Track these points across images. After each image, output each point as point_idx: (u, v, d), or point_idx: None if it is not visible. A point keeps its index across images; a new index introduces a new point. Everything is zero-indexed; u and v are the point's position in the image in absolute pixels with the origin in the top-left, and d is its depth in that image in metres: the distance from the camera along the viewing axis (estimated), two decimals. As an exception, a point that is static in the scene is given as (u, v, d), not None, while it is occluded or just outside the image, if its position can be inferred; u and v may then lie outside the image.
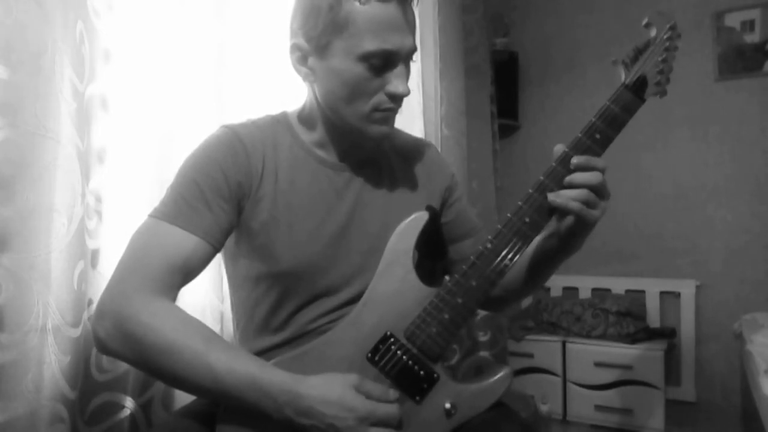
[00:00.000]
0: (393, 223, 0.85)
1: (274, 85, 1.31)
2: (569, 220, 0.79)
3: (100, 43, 0.94)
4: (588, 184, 0.76)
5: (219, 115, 1.17)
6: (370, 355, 0.80)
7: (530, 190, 0.79)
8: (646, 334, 2.38)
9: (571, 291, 2.78)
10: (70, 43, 0.83)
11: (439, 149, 1.96)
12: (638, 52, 0.80)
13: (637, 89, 0.78)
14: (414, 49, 0.82)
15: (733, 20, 2.47)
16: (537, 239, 0.86)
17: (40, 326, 0.77)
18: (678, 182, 2.60)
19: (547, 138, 2.79)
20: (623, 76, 0.79)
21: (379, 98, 0.81)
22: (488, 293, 0.80)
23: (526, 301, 2.77)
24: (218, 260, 0.99)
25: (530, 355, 2.48)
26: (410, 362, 0.79)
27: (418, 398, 0.79)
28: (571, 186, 0.77)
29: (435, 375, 0.80)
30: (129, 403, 0.98)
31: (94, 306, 0.85)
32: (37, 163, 0.78)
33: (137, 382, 0.99)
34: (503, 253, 0.79)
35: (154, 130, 1.04)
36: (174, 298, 0.78)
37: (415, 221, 0.84)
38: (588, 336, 2.41)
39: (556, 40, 2.88)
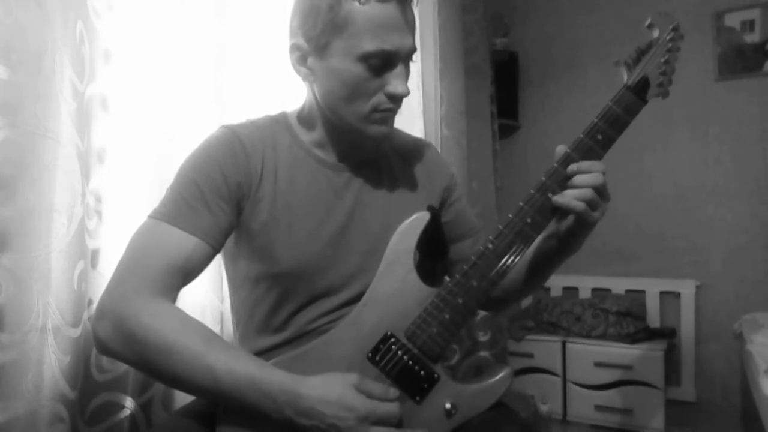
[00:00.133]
0: (393, 223, 0.85)
1: (274, 85, 1.31)
2: (569, 220, 0.80)
3: (100, 43, 0.94)
4: (591, 184, 0.76)
5: (219, 115, 1.16)
6: (370, 355, 0.80)
7: (532, 191, 0.79)
8: (646, 334, 2.38)
9: (571, 291, 2.78)
10: (70, 43, 0.83)
11: (439, 149, 1.96)
12: (640, 53, 0.80)
13: (640, 90, 0.78)
14: (413, 50, 0.82)
15: (733, 20, 2.47)
16: (536, 240, 0.86)
17: (40, 326, 0.77)
18: (678, 182, 2.60)
19: (547, 138, 2.80)
20: (625, 77, 0.79)
21: (379, 98, 0.81)
22: (489, 293, 0.80)
23: (526, 301, 2.77)
24: (218, 260, 0.99)
25: (530, 355, 2.48)
26: (410, 362, 0.79)
27: (418, 398, 0.79)
28: (574, 187, 0.77)
29: (435, 375, 0.80)
30: (129, 403, 0.98)
31: (94, 306, 0.85)
32: (37, 163, 0.78)
33: (137, 382, 0.99)
34: (504, 253, 0.79)
35: (154, 130, 1.04)
36: (174, 299, 0.78)
37: (417, 221, 0.84)
38: (588, 336, 2.41)
39: (556, 40, 2.88)
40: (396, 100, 0.82)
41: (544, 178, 0.79)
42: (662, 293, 2.59)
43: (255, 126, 0.89)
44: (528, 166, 2.89)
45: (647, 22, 0.80)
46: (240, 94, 1.25)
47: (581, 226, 0.79)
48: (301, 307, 0.86)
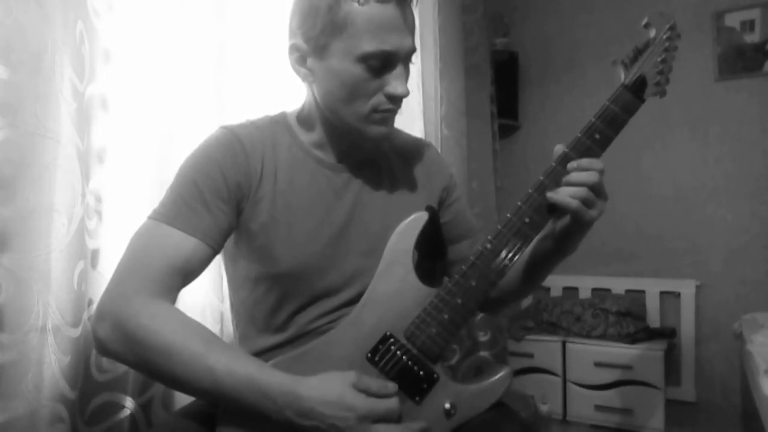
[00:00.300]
0: (392, 223, 0.85)
1: (274, 86, 1.31)
2: (566, 220, 0.80)
3: (100, 43, 0.94)
4: (586, 182, 0.76)
5: (219, 115, 1.17)
6: (369, 355, 0.80)
7: (530, 190, 0.79)
8: (646, 334, 2.38)
9: (571, 291, 2.78)
10: (70, 43, 0.83)
11: (439, 149, 1.96)
12: (638, 53, 0.80)
13: (637, 89, 0.78)
14: (413, 50, 0.82)
15: (733, 20, 2.47)
16: (533, 240, 0.86)
17: (40, 326, 0.77)
18: (678, 182, 2.60)
19: (547, 138, 2.80)
20: (623, 77, 0.79)
21: (378, 99, 0.81)
22: (488, 294, 0.80)
23: (526, 301, 2.77)
24: (218, 261, 0.99)
25: (530, 355, 2.48)
26: (410, 362, 0.79)
27: (417, 398, 0.79)
28: (569, 184, 0.77)
29: (435, 375, 0.80)
30: (129, 403, 0.98)
31: (94, 306, 0.85)
32: (37, 163, 0.78)
33: (137, 382, 0.99)
34: (503, 253, 0.79)
35: (154, 130, 1.04)
36: (174, 299, 0.78)
37: (415, 221, 0.84)
38: (588, 336, 2.41)
39: (556, 40, 2.88)
40: (395, 100, 0.82)
41: (542, 178, 0.79)
42: (662, 293, 2.59)
43: (254, 126, 0.89)
44: (528, 166, 2.89)
45: (644, 22, 0.80)
46: (240, 94, 1.25)
47: (577, 225, 0.79)
48: (301, 307, 0.87)
